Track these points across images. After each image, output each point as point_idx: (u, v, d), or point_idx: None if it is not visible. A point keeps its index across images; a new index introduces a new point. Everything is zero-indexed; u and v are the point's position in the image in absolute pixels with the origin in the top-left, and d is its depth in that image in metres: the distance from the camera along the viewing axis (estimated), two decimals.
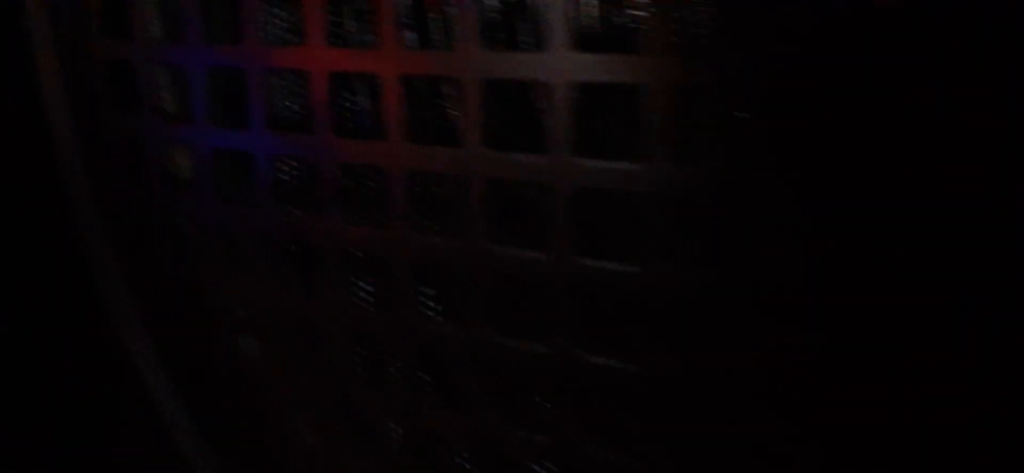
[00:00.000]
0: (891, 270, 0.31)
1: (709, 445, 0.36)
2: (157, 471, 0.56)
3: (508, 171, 0.37)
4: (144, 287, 0.53)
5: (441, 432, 0.45)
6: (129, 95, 0.49)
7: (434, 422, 0.45)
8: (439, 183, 0.41)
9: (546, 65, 0.34)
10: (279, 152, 0.45)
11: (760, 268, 0.33)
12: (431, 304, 0.43)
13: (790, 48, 0.31)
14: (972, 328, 0.30)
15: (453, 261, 0.40)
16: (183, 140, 0.48)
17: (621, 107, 0.39)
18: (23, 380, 0.57)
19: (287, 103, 0.45)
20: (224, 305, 0.51)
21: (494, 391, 0.42)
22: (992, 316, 0.29)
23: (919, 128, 0.29)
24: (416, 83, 0.40)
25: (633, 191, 0.34)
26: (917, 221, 0.30)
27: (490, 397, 0.42)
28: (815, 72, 0.30)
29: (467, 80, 0.36)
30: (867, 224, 0.30)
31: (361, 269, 0.46)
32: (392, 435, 0.48)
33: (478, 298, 0.40)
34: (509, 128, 0.41)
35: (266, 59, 0.43)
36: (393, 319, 0.44)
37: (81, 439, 0.59)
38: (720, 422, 0.35)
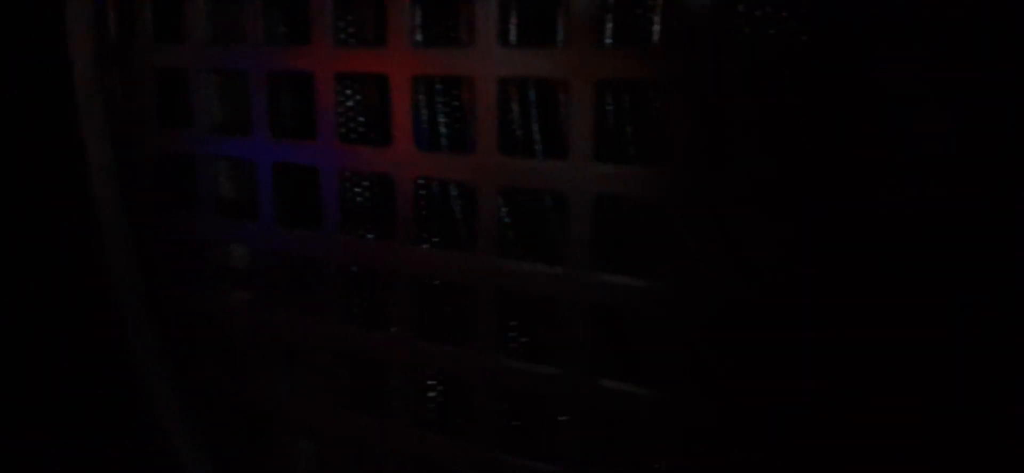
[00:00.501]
0: (933, 279, 0.28)
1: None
2: None
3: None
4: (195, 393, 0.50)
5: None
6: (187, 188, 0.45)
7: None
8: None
9: (568, 62, 0.32)
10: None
11: (794, 279, 0.30)
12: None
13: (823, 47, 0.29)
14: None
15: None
16: (245, 238, 0.44)
17: (644, 107, 0.37)
18: None
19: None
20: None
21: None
22: None
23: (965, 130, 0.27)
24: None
25: (655, 198, 0.32)
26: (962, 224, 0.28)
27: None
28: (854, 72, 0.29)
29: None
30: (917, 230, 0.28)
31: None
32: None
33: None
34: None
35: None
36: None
37: None
38: (749, 444, 0.33)
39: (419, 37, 0.36)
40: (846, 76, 0.29)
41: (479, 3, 0.34)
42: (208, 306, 0.47)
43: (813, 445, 0.31)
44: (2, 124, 0.53)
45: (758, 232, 0.31)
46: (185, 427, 0.49)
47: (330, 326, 0.42)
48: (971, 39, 0.26)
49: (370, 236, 0.44)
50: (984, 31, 0.26)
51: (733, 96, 0.30)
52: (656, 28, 0.35)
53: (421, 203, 0.42)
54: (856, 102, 0.29)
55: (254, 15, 0.40)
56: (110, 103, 0.46)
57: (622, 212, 0.37)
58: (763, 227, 0.31)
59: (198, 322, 0.47)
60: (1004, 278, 0.27)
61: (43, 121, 0.51)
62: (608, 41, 0.35)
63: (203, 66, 0.42)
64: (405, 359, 0.40)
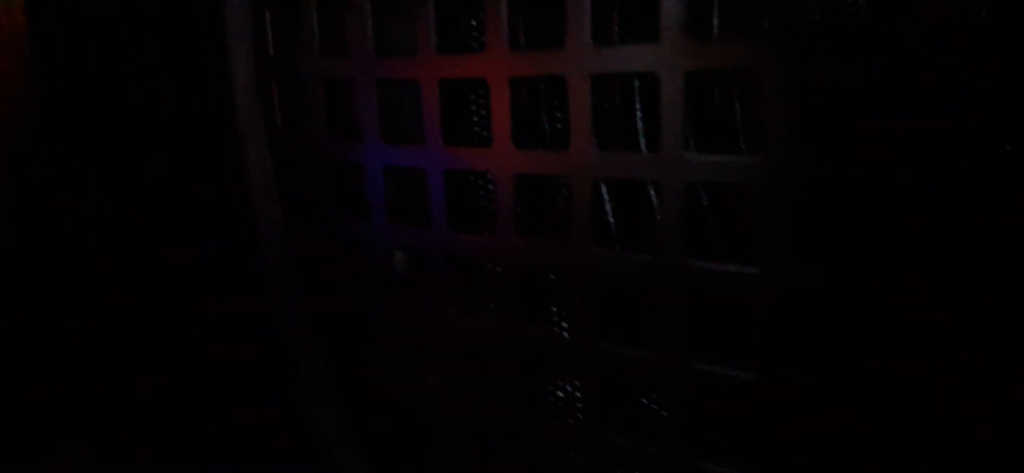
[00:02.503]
0: None
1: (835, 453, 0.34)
2: None
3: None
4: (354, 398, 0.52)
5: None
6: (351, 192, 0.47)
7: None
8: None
9: (659, 56, 0.33)
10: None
11: (897, 265, 0.30)
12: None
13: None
14: None
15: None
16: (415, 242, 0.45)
17: (734, 96, 0.38)
18: None
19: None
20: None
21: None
22: None
23: None
24: None
25: (748, 186, 0.32)
26: None
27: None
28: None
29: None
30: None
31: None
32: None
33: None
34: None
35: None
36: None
37: None
38: (848, 427, 0.33)
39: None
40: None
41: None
42: (372, 308, 0.48)
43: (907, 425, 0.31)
44: (173, 134, 0.58)
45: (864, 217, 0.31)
46: (342, 429, 0.52)
47: (504, 327, 0.43)
48: None
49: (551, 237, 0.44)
50: None
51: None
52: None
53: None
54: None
55: (425, 24, 0.41)
56: (269, 112, 0.49)
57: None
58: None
59: (357, 322, 0.50)
60: None
61: (208, 131, 0.56)
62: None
63: (373, 76, 0.44)
64: (578, 360, 0.40)
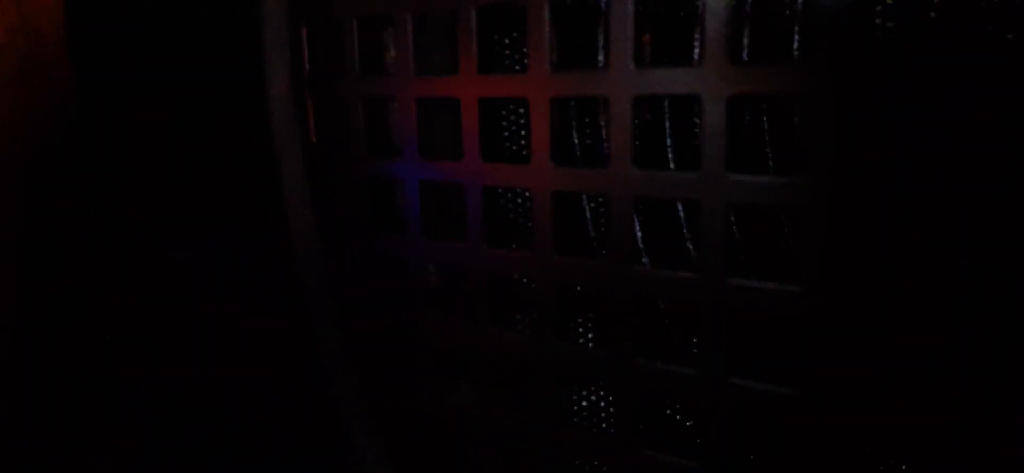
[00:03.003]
0: None
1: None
2: None
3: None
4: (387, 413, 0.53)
5: None
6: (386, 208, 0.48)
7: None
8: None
9: (701, 79, 0.34)
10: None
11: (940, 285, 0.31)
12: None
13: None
14: None
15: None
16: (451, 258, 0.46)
17: (776, 118, 0.38)
18: None
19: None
20: None
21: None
22: None
23: None
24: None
25: (793, 207, 0.33)
26: None
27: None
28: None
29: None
30: None
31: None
32: None
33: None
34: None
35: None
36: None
37: None
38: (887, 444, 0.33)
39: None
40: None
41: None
42: (406, 323, 0.49)
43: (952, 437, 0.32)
44: (211, 149, 0.59)
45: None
46: (374, 441, 0.53)
47: (541, 343, 0.43)
48: None
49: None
50: None
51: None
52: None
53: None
54: None
55: (467, 43, 0.42)
56: (304, 131, 0.50)
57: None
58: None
59: (393, 338, 0.50)
60: None
61: (244, 148, 0.56)
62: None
63: (412, 95, 0.45)
64: (616, 376, 0.41)
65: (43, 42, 0.59)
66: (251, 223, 0.60)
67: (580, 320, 0.49)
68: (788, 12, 0.38)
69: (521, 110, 0.49)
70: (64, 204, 0.61)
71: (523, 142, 0.49)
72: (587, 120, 0.48)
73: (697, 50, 0.34)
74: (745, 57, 0.37)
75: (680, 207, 0.45)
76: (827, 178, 0.32)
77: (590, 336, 0.49)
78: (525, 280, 0.48)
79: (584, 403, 0.49)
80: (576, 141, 0.48)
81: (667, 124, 0.46)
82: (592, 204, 0.48)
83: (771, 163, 0.43)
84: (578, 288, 0.47)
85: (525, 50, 0.41)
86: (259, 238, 0.59)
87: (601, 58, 0.39)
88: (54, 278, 0.61)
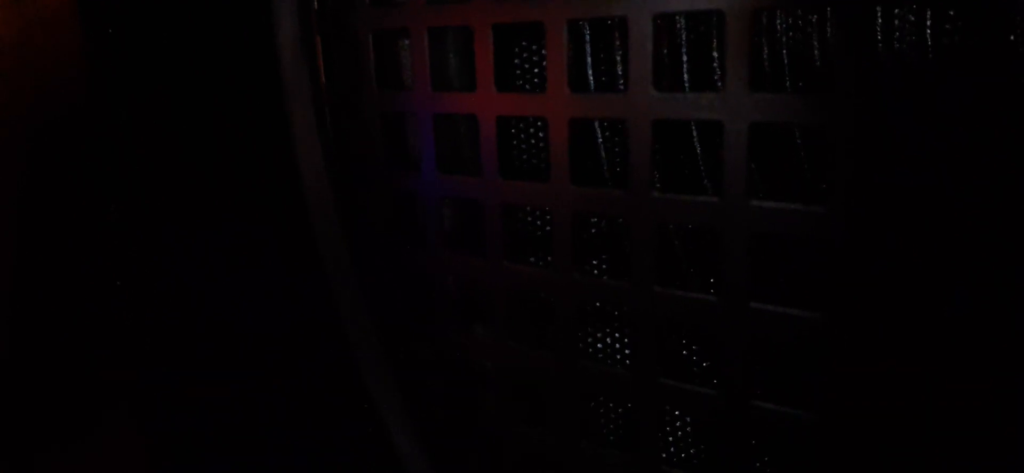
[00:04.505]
0: None
1: None
2: None
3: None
4: (400, 350, 0.53)
5: None
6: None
7: None
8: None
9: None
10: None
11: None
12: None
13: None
14: None
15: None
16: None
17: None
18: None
19: None
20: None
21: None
22: None
23: None
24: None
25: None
26: None
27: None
28: None
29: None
30: None
31: None
32: None
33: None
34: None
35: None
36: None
37: None
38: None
39: None
40: None
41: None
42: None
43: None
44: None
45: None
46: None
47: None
48: None
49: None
50: None
51: None
52: None
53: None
54: None
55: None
56: (313, 70, 0.50)
57: None
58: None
59: (408, 279, 0.50)
60: None
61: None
62: None
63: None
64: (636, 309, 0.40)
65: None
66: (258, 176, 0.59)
67: (595, 262, 0.49)
68: None
69: (535, 46, 0.48)
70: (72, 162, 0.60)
71: (537, 74, 0.49)
72: (603, 55, 0.46)
73: None
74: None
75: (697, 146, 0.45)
76: (852, 94, 0.31)
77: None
78: (540, 222, 0.48)
79: (599, 345, 0.49)
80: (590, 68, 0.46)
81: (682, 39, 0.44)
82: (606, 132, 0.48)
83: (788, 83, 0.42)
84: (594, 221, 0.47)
85: None
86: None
87: None
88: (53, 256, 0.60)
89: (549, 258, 0.48)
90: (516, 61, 0.47)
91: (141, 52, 0.58)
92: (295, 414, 0.62)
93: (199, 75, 0.58)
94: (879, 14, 0.38)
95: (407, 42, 0.47)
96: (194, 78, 0.58)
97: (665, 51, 0.42)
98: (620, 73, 0.44)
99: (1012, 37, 0.35)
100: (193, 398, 0.64)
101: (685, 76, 0.42)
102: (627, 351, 0.47)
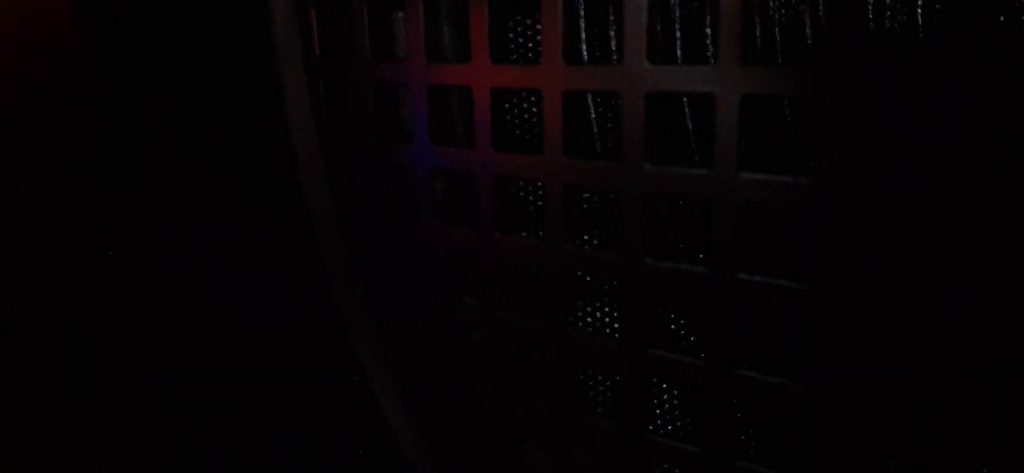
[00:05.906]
0: None
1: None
2: None
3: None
4: (394, 329, 0.53)
5: None
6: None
7: None
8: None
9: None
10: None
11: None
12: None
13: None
14: None
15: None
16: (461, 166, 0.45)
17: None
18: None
19: None
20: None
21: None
22: None
23: None
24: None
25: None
26: None
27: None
28: None
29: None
30: None
31: None
32: None
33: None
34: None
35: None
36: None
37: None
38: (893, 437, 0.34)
39: None
40: None
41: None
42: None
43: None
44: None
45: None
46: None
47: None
48: None
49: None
50: None
51: None
52: None
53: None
54: None
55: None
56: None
57: None
58: None
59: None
60: None
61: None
62: None
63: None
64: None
65: None
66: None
67: (586, 237, 0.49)
68: None
69: (529, 21, 0.48)
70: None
71: (531, 49, 0.49)
72: (597, 30, 0.46)
73: None
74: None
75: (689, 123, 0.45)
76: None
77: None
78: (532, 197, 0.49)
79: (589, 319, 0.49)
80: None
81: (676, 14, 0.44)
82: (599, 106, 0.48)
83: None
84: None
85: None
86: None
87: None
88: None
89: (541, 233, 0.48)
90: (510, 35, 0.47)
91: (133, 22, 0.58)
92: (295, 412, 0.62)
93: (193, 47, 0.57)
94: None
95: (401, 14, 0.47)
96: (188, 51, 0.58)
97: (659, 27, 0.43)
98: (614, 48, 0.44)
99: (1002, 18, 0.36)
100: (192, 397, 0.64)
101: (678, 51, 0.43)
102: (616, 325, 0.48)
